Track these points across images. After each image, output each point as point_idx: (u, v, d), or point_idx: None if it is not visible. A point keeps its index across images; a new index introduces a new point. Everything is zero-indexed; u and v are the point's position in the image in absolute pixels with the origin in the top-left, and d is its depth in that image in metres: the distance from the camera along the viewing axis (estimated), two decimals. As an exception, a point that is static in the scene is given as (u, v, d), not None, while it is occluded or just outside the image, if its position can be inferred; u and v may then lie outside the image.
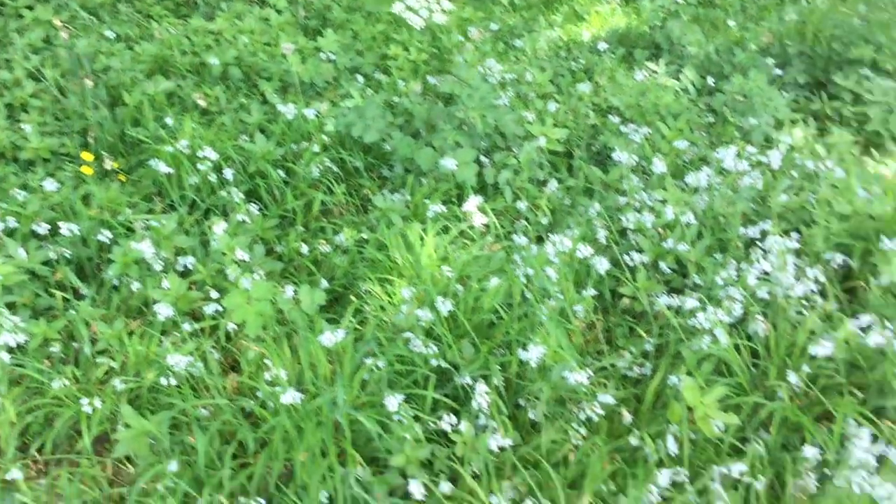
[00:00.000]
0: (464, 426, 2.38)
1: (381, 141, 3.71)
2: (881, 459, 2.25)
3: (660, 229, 3.16)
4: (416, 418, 2.42)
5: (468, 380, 2.54)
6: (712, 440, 2.40)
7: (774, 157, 3.31)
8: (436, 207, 3.24)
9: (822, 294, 2.82)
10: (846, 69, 4.22)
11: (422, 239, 3.03)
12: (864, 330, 2.56)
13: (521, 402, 2.59)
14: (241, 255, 2.97)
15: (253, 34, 4.66)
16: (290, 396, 2.32)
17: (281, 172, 3.57)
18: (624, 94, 4.12)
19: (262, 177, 3.55)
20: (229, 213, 3.34)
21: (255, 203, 3.42)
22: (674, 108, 3.98)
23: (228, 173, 3.43)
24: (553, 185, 3.53)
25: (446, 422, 2.41)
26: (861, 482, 2.15)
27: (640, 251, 3.10)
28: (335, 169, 3.68)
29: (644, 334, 2.80)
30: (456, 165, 3.43)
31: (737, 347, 2.64)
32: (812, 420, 2.44)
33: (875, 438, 2.29)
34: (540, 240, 3.28)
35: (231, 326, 2.83)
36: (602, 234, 3.13)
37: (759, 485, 2.27)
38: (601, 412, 2.46)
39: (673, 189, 3.28)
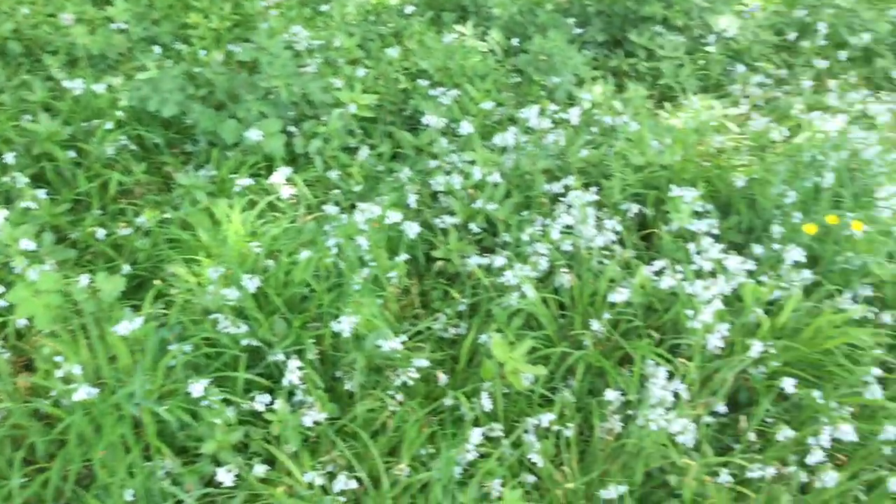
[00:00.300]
0: (279, 404, 2.32)
1: (182, 114, 3.52)
2: (677, 395, 2.38)
3: (470, 190, 3.19)
4: (228, 402, 2.33)
5: (281, 356, 2.47)
6: (524, 393, 2.47)
7: (574, 114, 3.42)
8: (243, 181, 3.13)
9: (621, 243, 2.95)
10: (640, 27, 4.41)
11: (228, 215, 2.91)
12: (658, 274, 2.70)
13: (339, 374, 2.56)
14: (27, 244, 2.74)
15: (34, 4, 4.28)
16: (84, 392, 2.17)
17: (71, 153, 3.32)
18: (433, 58, 4.12)
19: (49, 159, 3.29)
20: (13, 201, 3.07)
21: (42, 188, 3.15)
22: (481, 70, 4.02)
23: (9, 157, 3.15)
24: (364, 151, 3.49)
25: (260, 402, 2.34)
26: (658, 419, 2.28)
27: (452, 213, 3.12)
28: (133, 147, 3.46)
29: (457, 295, 2.83)
30: (262, 137, 3.32)
31: (545, 301, 2.72)
32: (615, 364, 2.56)
33: (671, 376, 2.42)
34: (354, 208, 3.23)
35: (22, 322, 2.61)
36: (413, 199, 3.12)
37: (569, 431, 2.36)
38: (417, 376, 2.47)
39: (481, 150, 3.31)
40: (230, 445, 2.24)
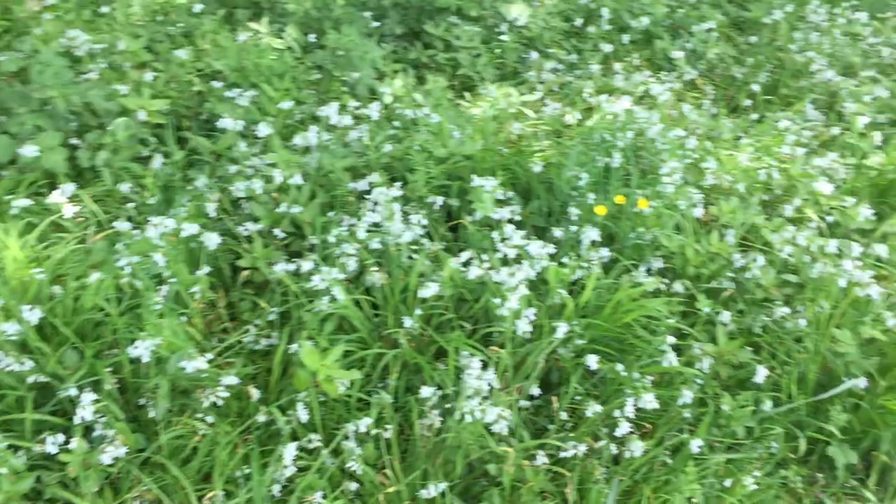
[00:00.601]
0: (75, 443, 2.15)
1: (-56, 134, 3.18)
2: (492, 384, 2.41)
3: (273, 194, 3.08)
4: (15, 447, 2.13)
5: (74, 391, 2.28)
6: (341, 399, 2.42)
7: (374, 109, 3.39)
8: (21, 202, 2.86)
9: (429, 236, 2.95)
10: (436, 18, 4.44)
11: (3, 241, 2.66)
12: (466, 264, 2.72)
13: (142, 401, 2.41)
14: None
15: None
16: None
17: None
18: (227, 58, 3.96)
19: None
20: None
21: None
22: (278, 69, 3.90)
23: None
24: (158, 161, 3.30)
25: (52, 443, 2.15)
26: (475, 410, 2.29)
27: (256, 219, 3.01)
28: None
29: (266, 305, 2.73)
30: (39, 152, 3.05)
31: (357, 302, 2.67)
32: (430, 359, 2.56)
33: (485, 365, 2.45)
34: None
35: None
36: (212, 208, 2.98)
37: (388, 433, 2.33)
38: (227, 395, 2.36)
39: (282, 151, 3.21)
40: (20, 496, 2.05)
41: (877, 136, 3.71)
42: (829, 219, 3.23)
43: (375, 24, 4.42)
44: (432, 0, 4.47)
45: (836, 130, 3.88)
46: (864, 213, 3.17)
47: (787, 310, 2.78)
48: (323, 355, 2.34)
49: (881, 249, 3.00)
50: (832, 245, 2.94)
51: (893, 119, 4.06)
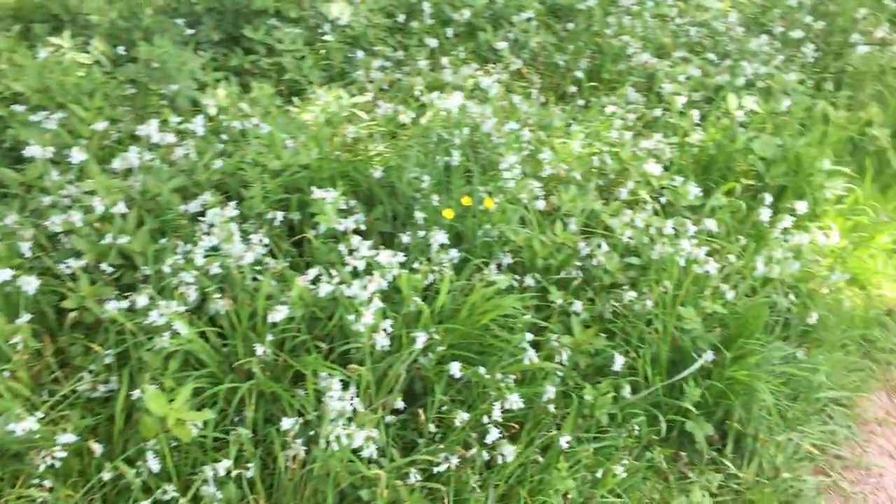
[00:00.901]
0: None
1: None
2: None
3: (96, 224, 2.84)
4: None
5: None
6: (196, 441, 2.25)
7: (198, 123, 3.20)
8: None
9: (273, 255, 2.82)
10: (255, 21, 4.26)
11: None
12: (315, 281, 2.60)
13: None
14: None
15: None
16: None
17: None
18: (27, 77, 3.62)
19: None
20: None
21: None
22: (87, 86, 3.61)
23: None
24: (-44, 199, 2.97)
25: None
26: (341, 434, 2.20)
27: (79, 254, 2.75)
28: None
29: (100, 348, 2.51)
30: None
31: (202, 334, 2.50)
32: (288, 386, 2.44)
33: (345, 385, 2.36)
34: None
35: None
36: (27, 246, 2.71)
37: (250, 472, 2.20)
38: (64, 454, 2.14)
39: (100, 177, 2.97)
40: None
41: (695, 114, 3.90)
42: (662, 199, 3.35)
43: (190, 31, 4.19)
44: (249, 2, 4.28)
45: (657, 112, 4.04)
46: (693, 190, 3.32)
47: (633, 293, 2.86)
48: (170, 397, 2.17)
49: (711, 224, 3.15)
50: (669, 225, 3.05)
51: (708, 96, 4.28)
